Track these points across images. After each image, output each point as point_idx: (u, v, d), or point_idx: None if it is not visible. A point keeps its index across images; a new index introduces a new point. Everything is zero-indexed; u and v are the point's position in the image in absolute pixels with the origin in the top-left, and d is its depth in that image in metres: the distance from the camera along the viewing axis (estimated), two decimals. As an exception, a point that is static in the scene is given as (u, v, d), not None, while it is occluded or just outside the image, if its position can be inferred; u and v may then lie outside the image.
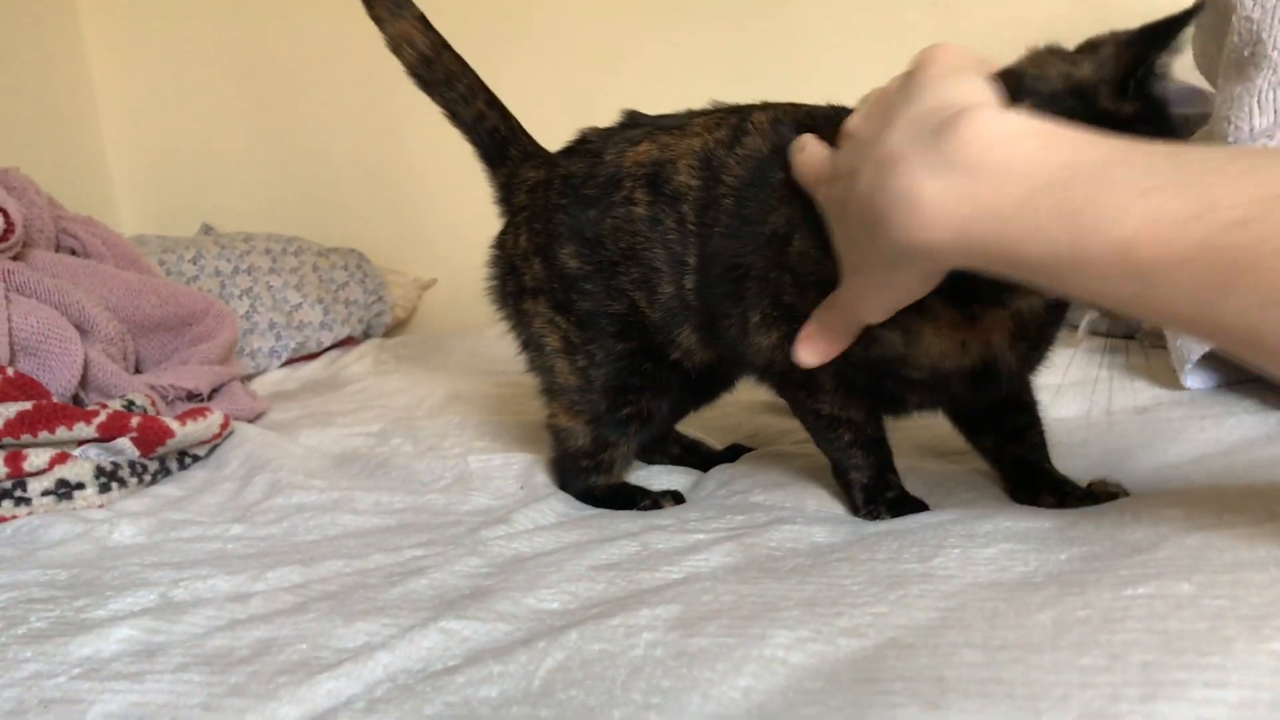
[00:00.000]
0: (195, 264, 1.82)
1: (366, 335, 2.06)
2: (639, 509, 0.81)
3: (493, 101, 0.99)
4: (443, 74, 0.98)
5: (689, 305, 0.80)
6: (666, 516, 0.73)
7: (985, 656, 0.41)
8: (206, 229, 2.26)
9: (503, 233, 0.95)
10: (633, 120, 0.90)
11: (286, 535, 0.84)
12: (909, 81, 0.53)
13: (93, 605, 0.64)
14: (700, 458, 0.98)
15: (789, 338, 0.68)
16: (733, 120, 0.81)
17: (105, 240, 1.50)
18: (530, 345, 0.92)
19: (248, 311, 1.82)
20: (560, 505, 0.83)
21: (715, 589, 0.52)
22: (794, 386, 0.76)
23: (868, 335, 0.65)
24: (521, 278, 0.91)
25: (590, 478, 0.88)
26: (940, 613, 0.45)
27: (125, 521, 0.92)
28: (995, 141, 0.46)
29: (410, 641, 0.50)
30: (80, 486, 1.04)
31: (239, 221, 2.29)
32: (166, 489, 1.09)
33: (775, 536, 0.61)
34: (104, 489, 1.05)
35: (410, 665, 0.49)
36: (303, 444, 1.19)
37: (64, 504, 1.02)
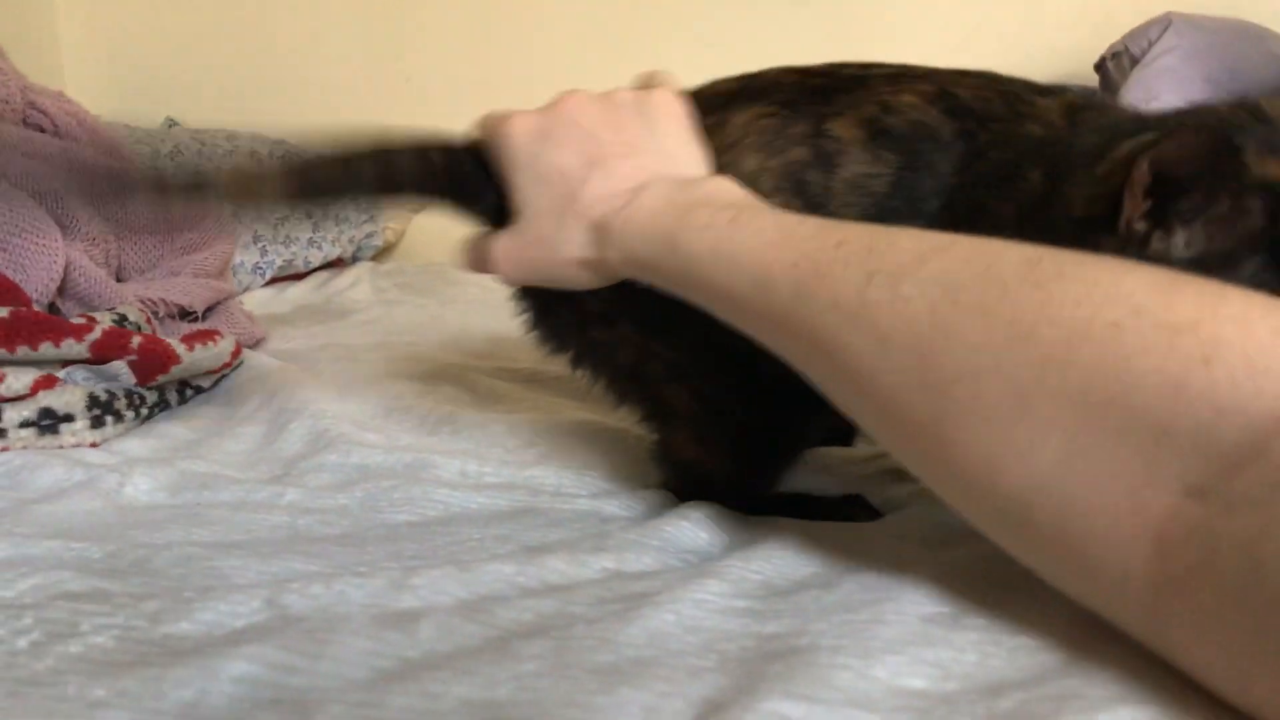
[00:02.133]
0: (173, 160, 1.59)
1: (355, 258, 1.85)
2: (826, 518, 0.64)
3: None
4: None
5: None
6: (909, 542, 0.55)
7: None
8: (171, 123, 2.01)
9: None
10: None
11: (368, 510, 0.65)
12: (650, 112, 0.63)
13: (171, 612, 0.45)
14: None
15: None
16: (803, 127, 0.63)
17: (80, 120, 1.27)
18: (620, 376, 0.71)
19: (228, 220, 1.59)
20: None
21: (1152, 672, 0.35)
22: None
23: None
24: (582, 304, 0.67)
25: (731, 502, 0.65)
26: None
27: (138, 472, 0.72)
28: (725, 183, 0.58)
29: (734, 734, 0.33)
30: (69, 419, 0.83)
31: (206, 120, 2.04)
32: (171, 428, 0.89)
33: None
34: (96, 423, 0.85)
35: (753, 779, 0.32)
36: (330, 383, 1.00)
37: (47, 438, 0.82)
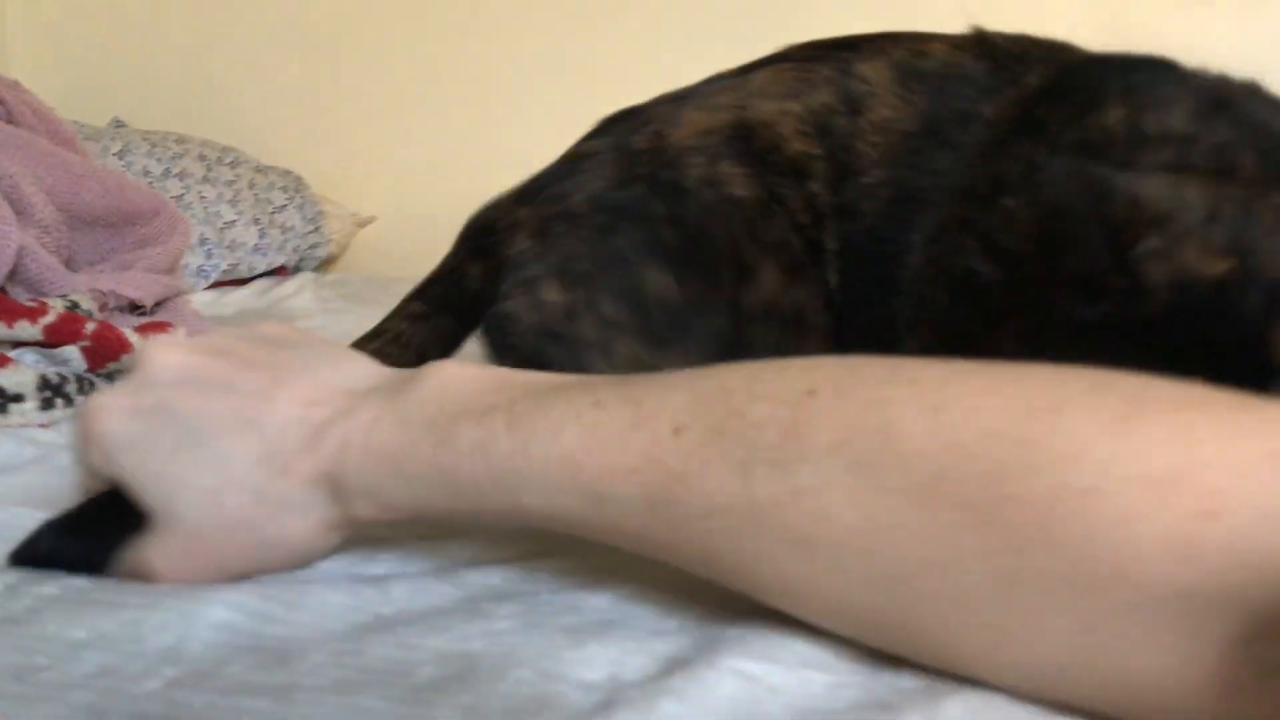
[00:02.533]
0: (122, 159, 1.58)
1: (298, 268, 1.85)
2: None
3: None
4: None
5: None
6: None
7: None
8: (118, 124, 1.99)
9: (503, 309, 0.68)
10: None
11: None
12: (270, 334, 0.49)
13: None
14: None
15: None
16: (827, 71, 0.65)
17: (36, 110, 1.27)
18: None
19: (176, 222, 1.59)
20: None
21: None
22: None
23: None
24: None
25: None
26: None
27: (92, 450, 0.73)
28: (448, 374, 0.44)
29: (699, 682, 0.36)
30: (19, 399, 0.83)
31: (154, 122, 2.03)
32: (119, 414, 0.89)
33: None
34: (46, 405, 0.85)
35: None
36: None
37: (-5, 417, 0.82)
